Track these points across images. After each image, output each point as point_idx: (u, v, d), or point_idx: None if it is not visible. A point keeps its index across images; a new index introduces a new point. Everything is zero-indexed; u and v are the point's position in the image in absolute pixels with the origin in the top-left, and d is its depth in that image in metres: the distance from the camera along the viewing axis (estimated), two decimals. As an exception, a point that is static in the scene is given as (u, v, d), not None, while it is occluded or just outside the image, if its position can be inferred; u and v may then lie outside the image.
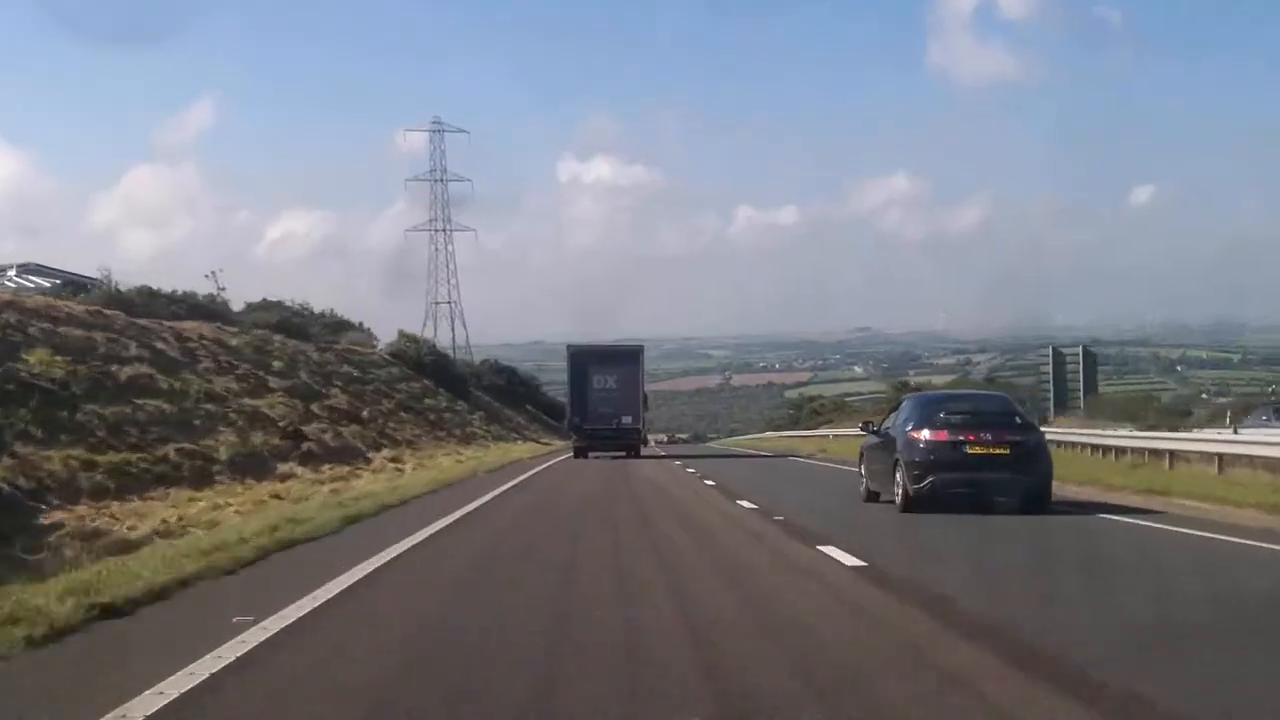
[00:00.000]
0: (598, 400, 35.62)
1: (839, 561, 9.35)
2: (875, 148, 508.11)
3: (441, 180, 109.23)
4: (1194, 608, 7.42)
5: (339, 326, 56.63)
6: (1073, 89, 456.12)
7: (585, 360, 36.80)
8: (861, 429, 18.51)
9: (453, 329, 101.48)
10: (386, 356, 54.12)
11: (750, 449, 54.47)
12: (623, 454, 34.73)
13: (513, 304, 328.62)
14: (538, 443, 56.88)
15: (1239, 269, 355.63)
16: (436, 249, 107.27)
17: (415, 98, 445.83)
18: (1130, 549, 10.94)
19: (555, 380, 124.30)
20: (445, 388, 55.90)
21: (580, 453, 35.56)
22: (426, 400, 50.26)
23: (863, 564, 9.14)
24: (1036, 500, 14.08)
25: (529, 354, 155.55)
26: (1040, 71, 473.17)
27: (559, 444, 51.86)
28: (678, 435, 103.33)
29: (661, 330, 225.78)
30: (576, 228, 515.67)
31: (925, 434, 14.44)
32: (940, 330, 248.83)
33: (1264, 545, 10.78)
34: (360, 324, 60.87)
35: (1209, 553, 10.58)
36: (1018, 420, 14.96)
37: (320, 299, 69.15)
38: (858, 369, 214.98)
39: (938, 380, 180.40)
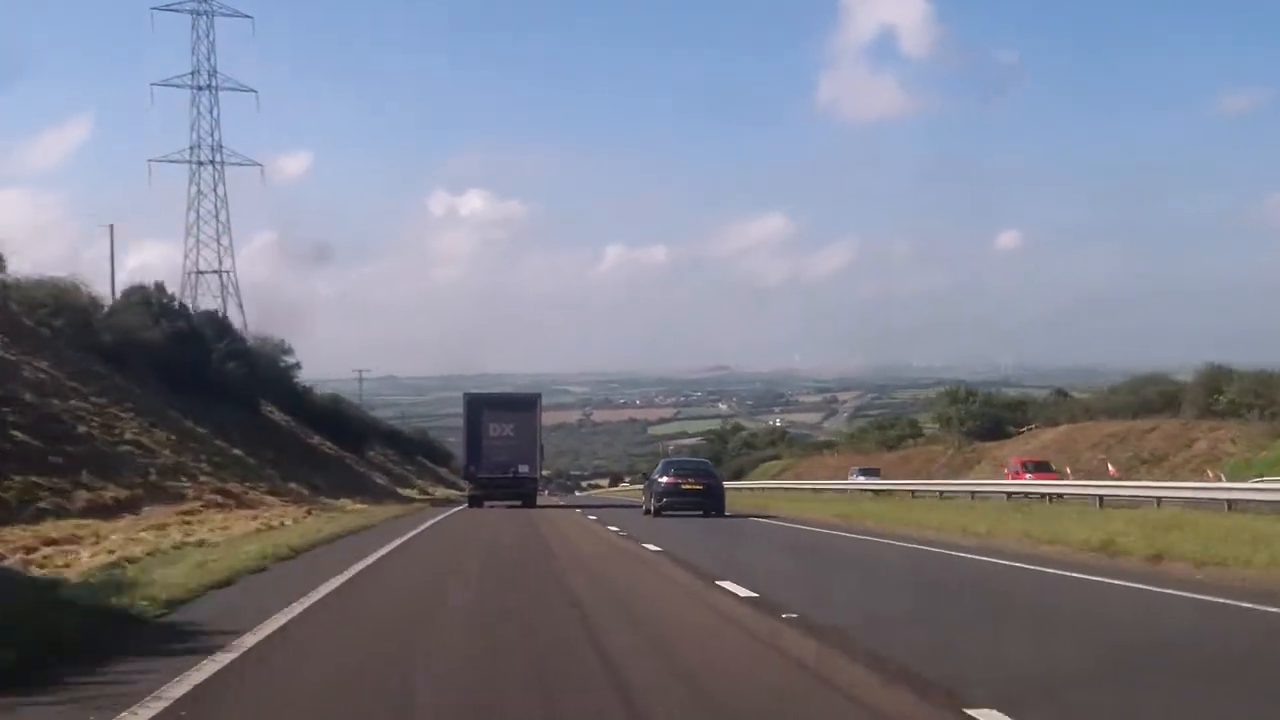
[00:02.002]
0: (494, 449, 36.38)
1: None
2: (753, 187, 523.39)
3: (210, 88, 71.50)
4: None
5: None
6: (960, 132, 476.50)
7: (481, 407, 37.93)
8: (642, 478, 38.12)
9: (224, 307, 67.19)
10: None
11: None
12: (518, 503, 35.75)
13: (369, 339, 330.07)
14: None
15: (1088, 316, 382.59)
16: (200, 190, 72.14)
17: (278, 133, 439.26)
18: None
19: (409, 416, 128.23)
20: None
21: (476, 501, 36.51)
22: None
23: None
24: (717, 511, 28.69)
25: (381, 388, 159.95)
26: (929, 113, 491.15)
27: (371, 509, 35.26)
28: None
29: (520, 367, 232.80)
30: (443, 263, 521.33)
31: (664, 479, 29.87)
32: (798, 369, 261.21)
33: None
34: None
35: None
36: (709, 473, 31.37)
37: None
38: (722, 406, 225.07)
39: (805, 418, 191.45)
